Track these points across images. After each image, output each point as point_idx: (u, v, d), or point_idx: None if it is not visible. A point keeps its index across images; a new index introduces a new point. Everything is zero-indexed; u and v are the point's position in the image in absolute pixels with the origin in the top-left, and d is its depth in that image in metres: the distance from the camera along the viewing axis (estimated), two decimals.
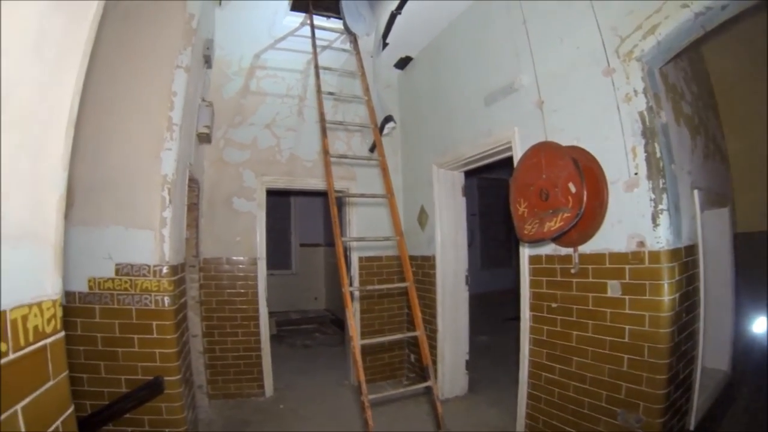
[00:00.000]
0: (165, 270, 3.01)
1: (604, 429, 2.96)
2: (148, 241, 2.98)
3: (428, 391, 3.09)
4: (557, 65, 3.28)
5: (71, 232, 2.80)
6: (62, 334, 1.24)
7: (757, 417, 3.84)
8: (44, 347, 1.15)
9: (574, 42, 3.15)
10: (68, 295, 2.87)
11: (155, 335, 2.97)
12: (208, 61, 4.18)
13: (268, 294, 5.00)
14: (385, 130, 4.45)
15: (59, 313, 1.24)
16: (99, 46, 2.84)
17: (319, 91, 3.80)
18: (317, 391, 5.02)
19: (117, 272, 2.96)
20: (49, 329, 1.18)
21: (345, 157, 4.67)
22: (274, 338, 6.67)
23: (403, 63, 5.28)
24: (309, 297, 9.48)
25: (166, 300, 3.00)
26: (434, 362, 4.70)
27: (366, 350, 5.06)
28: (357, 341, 2.94)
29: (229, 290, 4.78)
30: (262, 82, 4.93)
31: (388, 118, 4.45)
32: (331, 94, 4.13)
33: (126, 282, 2.95)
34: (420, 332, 3.14)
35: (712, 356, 3.90)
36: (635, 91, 2.78)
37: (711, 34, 2.77)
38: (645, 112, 2.75)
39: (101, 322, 2.93)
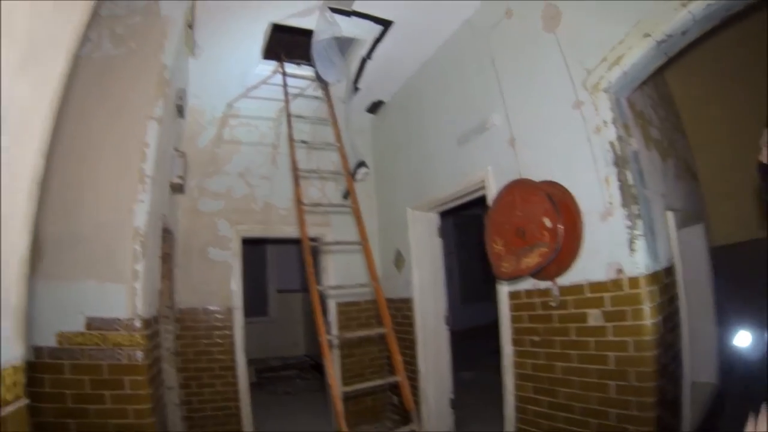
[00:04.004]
0: (137, 324, 2.91)
1: None
2: (119, 295, 2.89)
3: None
4: (527, 102, 3.36)
5: (40, 285, 2.71)
6: (24, 401, 1.19)
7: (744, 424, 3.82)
8: (4, 418, 1.10)
9: (542, 77, 3.23)
10: (36, 350, 2.75)
11: (128, 391, 2.85)
12: (181, 111, 4.18)
13: (247, 341, 4.90)
14: (359, 176, 4.48)
15: (22, 379, 1.19)
16: (71, 100, 2.83)
17: (291, 139, 3.83)
18: None
19: (88, 326, 2.85)
20: (10, 397, 1.13)
21: (319, 205, 4.68)
22: (254, 386, 6.49)
23: (375, 107, 5.35)
24: (288, 343, 9.33)
25: (139, 354, 2.89)
26: (417, 403, 4.63)
27: (349, 395, 4.95)
28: (337, 390, 2.88)
29: (205, 340, 4.66)
30: (235, 131, 4.96)
31: (361, 164, 4.48)
32: (303, 142, 4.16)
33: (97, 336, 2.85)
34: (401, 377, 3.11)
35: (699, 370, 3.90)
36: (605, 122, 2.85)
37: (673, 58, 2.86)
38: (615, 142, 2.81)
39: (71, 379, 2.80)
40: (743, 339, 4.00)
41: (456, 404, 4.91)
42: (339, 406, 2.84)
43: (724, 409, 4.16)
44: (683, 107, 4.88)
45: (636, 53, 2.64)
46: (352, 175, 4.14)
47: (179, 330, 4.54)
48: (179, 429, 4.24)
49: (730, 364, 4.24)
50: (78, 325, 2.84)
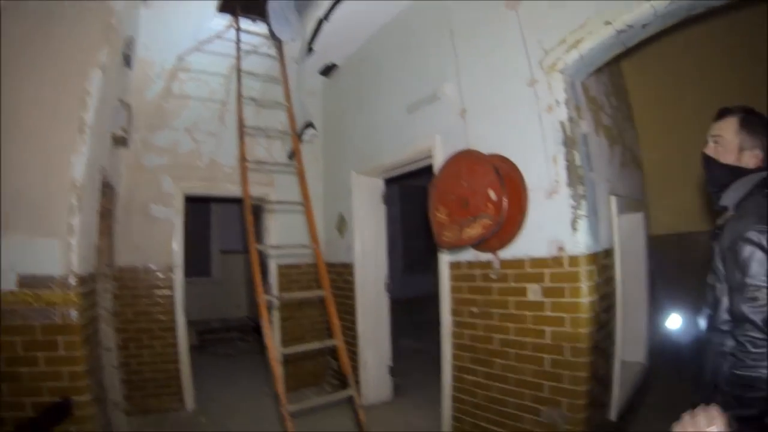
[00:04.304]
0: (72, 281, 2.78)
1: (529, 427, 3.03)
2: (53, 251, 2.74)
3: (352, 399, 3.04)
4: (481, 75, 3.35)
5: None
6: None
7: (672, 403, 4.06)
8: None
9: (500, 53, 3.22)
10: None
11: (62, 352, 2.72)
12: (128, 61, 3.95)
13: (189, 302, 4.81)
14: (306, 137, 4.39)
15: None
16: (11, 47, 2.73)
17: (239, 95, 3.71)
18: (240, 402, 4.87)
19: (20, 285, 2.69)
20: None
21: (263, 163, 4.54)
22: (195, 348, 6.42)
23: (328, 70, 5.23)
24: (230, 304, 9.18)
25: (74, 313, 2.76)
26: (356, 368, 4.68)
27: (288, 358, 4.92)
28: (274, 352, 2.85)
29: (145, 300, 4.54)
30: (185, 85, 4.73)
31: (309, 125, 4.40)
32: (252, 99, 4.03)
33: (30, 295, 2.69)
34: (338, 341, 3.12)
35: (630, 350, 4.08)
36: (557, 102, 2.87)
37: (631, 51, 2.92)
38: (566, 122, 2.85)
39: (2, 341, 2.65)
40: (674, 323, 4.20)
41: (395, 371, 4.99)
42: (276, 368, 2.81)
43: (650, 388, 4.41)
44: (635, 100, 5.04)
45: (595, 39, 2.66)
46: (298, 136, 4.05)
47: (118, 289, 4.38)
48: (118, 392, 4.13)
49: (660, 345, 4.47)
50: (9, 284, 2.68)
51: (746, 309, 1.42)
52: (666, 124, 4.95)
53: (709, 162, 1.73)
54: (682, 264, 4.75)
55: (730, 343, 1.53)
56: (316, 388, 5.33)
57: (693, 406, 1.30)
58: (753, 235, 1.44)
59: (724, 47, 4.54)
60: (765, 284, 1.39)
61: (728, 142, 1.67)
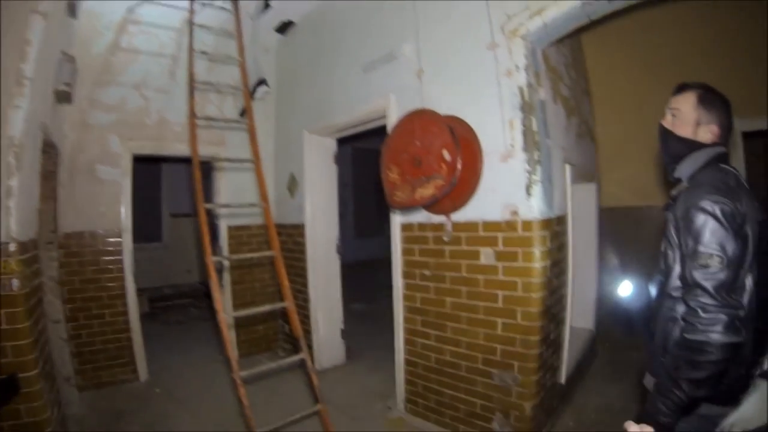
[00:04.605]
0: (12, 247, 2.59)
1: (481, 389, 3.10)
2: None
3: (304, 363, 3.03)
4: (442, 37, 3.29)
5: None
6: None
7: (616, 367, 4.37)
8: None
9: (461, 15, 3.16)
10: None
11: (4, 326, 2.55)
12: (73, 11, 3.69)
13: (139, 269, 4.64)
14: (258, 94, 4.26)
15: None
16: None
17: (191, 48, 3.53)
18: (193, 370, 4.79)
19: None
20: None
21: (213, 119, 4.34)
22: (147, 316, 6.26)
23: (284, 27, 5.04)
24: (182, 270, 8.96)
25: (15, 283, 2.58)
26: (308, 332, 4.67)
27: (240, 323, 4.92)
28: (223, 315, 2.78)
29: (92, 267, 4.33)
30: (134, 39, 4.42)
31: (262, 82, 4.27)
32: (204, 53, 3.83)
33: None
34: (289, 303, 3.07)
35: (579, 316, 4.24)
36: (517, 67, 2.86)
37: (593, 25, 2.92)
38: (525, 88, 2.84)
39: None
40: (625, 290, 4.35)
41: (347, 335, 5.00)
42: (226, 332, 2.75)
43: (597, 353, 4.59)
44: (593, 74, 5.14)
45: (560, 8, 2.64)
46: (251, 93, 3.91)
47: (63, 257, 4.17)
48: (69, 366, 3.98)
49: (609, 312, 4.63)
50: None
51: (698, 275, 1.46)
52: (621, 100, 5.07)
53: (665, 134, 1.76)
54: (630, 236, 4.91)
55: (680, 308, 1.58)
56: (270, 353, 5.28)
57: (638, 420, 1.44)
58: (707, 204, 1.47)
59: (685, 29, 4.66)
60: (717, 252, 1.44)
61: (685, 115, 1.70)
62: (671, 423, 1.47)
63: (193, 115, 3.25)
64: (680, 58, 4.67)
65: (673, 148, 1.73)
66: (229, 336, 4.72)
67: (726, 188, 1.52)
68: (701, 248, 1.46)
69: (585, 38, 4.91)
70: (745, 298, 1.51)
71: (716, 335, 1.39)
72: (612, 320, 4.71)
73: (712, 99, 1.68)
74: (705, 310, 1.42)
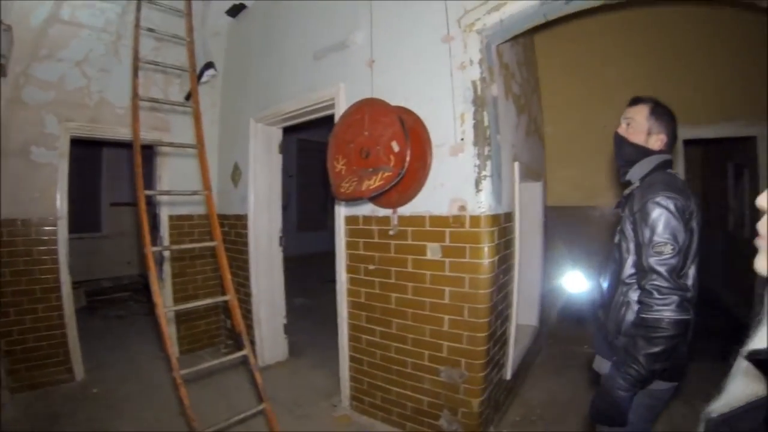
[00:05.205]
0: None
1: (428, 386, 3.07)
2: None
3: (247, 360, 2.90)
4: (396, 27, 3.22)
5: None
6: None
7: (559, 362, 4.50)
8: None
9: (417, 6, 3.10)
10: None
11: None
12: None
13: (75, 260, 4.36)
14: (204, 77, 4.10)
15: None
16: None
17: (137, 25, 3.32)
18: (134, 368, 4.54)
19: None
20: None
21: (157, 101, 4.08)
22: (84, 310, 5.98)
23: (235, 10, 4.84)
24: (122, 262, 8.56)
25: None
26: (251, 327, 4.56)
27: (181, 318, 4.73)
28: (162, 309, 2.62)
29: (24, 258, 4.03)
30: (77, 12, 4.07)
31: (209, 65, 4.11)
32: (150, 30, 3.61)
33: None
34: (231, 296, 2.93)
35: (525, 313, 4.28)
36: (471, 61, 2.84)
37: (549, 25, 2.94)
38: (478, 82, 2.82)
39: None
40: (573, 284, 4.45)
41: (290, 330, 4.88)
42: (165, 327, 2.60)
43: (540, 349, 4.67)
44: (544, 74, 5.25)
45: (518, 6, 2.64)
46: (198, 76, 3.74)
47: None
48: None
49: (553, 309, 4.73)
50: None
51: (653, 261, 1.65)
52: (569, 102, 5.21)
53: (620, 140, 1.95)
54: (575, 234, 5.02)
55: (633, 294, 1.79)
56: (212, 349, 5.10)
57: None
58: (662, 199, 1.67)
59: (635, 37, 4.84)
60: (670, 241, 1.64)
61: (639, 124, 1.91)
62: (628, 397, 1.66)
63: (136, 95, 3.06)
64: (629, 65, 4.84)
65: (627, 153, 1.93)
66: (170, 332, 4.55)
67: (677, 187, 1.72)
68: (656, 237, 1.66)
69: (538, 38, 5.00)
70: (690, 284, 1.74)
71: (669, 313, 1.60)
72: (557, 316, 4.81)
73: (662, 112, 1.91)
74: (659, 292, 1.62)
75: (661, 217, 1.66)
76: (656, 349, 1.60)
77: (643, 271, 1.71)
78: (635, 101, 1.96)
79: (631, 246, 1.82)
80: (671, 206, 1.66)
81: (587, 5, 2.68)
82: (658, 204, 1.67)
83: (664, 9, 4.44)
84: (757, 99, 4.10)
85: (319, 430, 3.44)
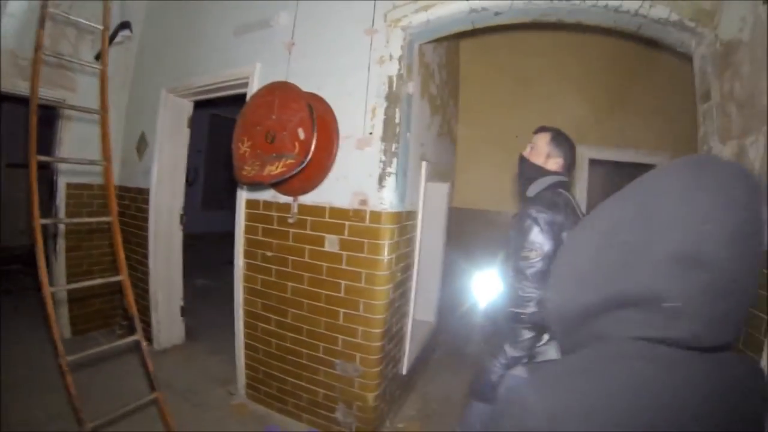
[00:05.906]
0: None
1: (323, 378, 3.06)
2: None
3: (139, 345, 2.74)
4: (322, 12, 3.15)
5: None
6: None
7: (456, 358, 4.63)
8: None
9: None
10: None
11: None
12: None
13: None
14: (119, 38, 3.84)
15: None
16: None
17: None
18: (22, 350, 4.06)
19: None
20: None
21: (62, 57, 3.73)
22: None
23: None
24: (15, 230, 7.61)
25: None
26: (148, 309, 4.33)
27: (73, 296, 4.35)
28: (48, 289, 2.41)
29: None
30: None
31: (125, 24, 3.85)
32: None
33: None
34: (124, 276, 2.75)
35: (423, 310, 4.39)
36: (391, 56, 2.84)
37: (475, 33, 3.03)
38: (394, 78, 2.83)
39: None
40: (477, 285, 4.59)
41: (188, 312, 4.69)
42: (51, 308, 2.37)
43: (437, 345, 4.78)
44: (464, 80, 5.39)
45: (447, 9, 2.68)
46: (111, 36, 3.47)
47: None
48: None
49: (447, 305, 4.86)
50: None
51: (521, 264, 1.91)
52: (487, 109, 5.37)
53: (523, 161, 2.21)
54: (478, 236, 5.17)
55: (510, 292, 2.01)
56: (107, 331, 4.73)
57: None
58: (533, 212, 1.93)
59: (555, 58, 5.08)
60: (535, 248, 1.89)
61: (540, 148, 2.17)
62: (498, 378, 1.90)
63: (39, 48, 2.74)
64: (551, 81, 5.06)
65: (528, 172, 2.19)
66: (60, 311, 4.22)
67: (551, 204, 1.96)
68: (525, 244, 1.91)
69: (464, 44, 5.09)
70: None
71: (530, 309, 1.86)
72: (457, 314, 4.94)
73: (562, 140, 2.18)
74: (523, 290, 1.89)
75: (531, 227, 1.92)
76: (519, 339, 1.89)
77: (515, 272, 1.96)
78: (540, 129, 2.23)
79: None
80: (540, 219, 1.91)
81: (515, 20, 2.76)
82: (529, 216, 1.93)
83: (590, 37, 4.63)
84: (664, 133, 4.68)
85: (214, 418, 3.30)
